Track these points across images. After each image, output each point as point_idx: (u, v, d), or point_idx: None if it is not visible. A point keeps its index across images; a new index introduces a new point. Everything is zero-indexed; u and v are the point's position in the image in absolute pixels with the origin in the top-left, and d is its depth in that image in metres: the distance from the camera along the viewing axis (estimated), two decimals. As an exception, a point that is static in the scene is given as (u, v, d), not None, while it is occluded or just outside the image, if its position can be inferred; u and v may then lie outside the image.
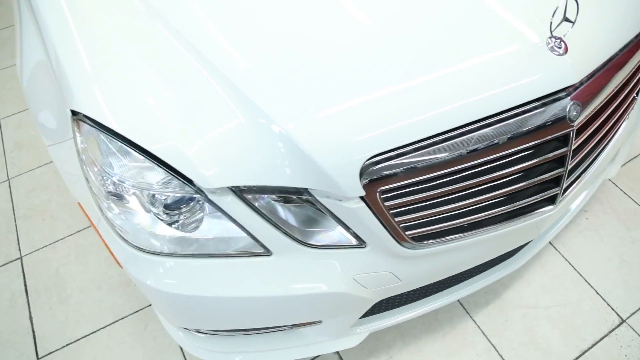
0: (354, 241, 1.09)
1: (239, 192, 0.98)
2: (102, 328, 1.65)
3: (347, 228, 1.06)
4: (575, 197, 1.34)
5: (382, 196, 1.00)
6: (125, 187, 0.99)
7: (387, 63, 1.00)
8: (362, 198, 0.99)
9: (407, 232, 1.07)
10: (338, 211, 1.02)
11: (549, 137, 1.05)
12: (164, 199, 1.01)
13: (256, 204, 1.01)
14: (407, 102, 0.97)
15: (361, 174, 0.96)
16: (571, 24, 1.00)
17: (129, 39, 1.06)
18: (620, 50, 1.13)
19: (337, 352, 1.55)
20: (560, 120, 1.04)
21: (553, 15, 0.97)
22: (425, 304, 1.42)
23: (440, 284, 1.39)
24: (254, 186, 0.97)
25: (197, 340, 1.34)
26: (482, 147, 1.00)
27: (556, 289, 1.67)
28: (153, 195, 1.00)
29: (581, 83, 1.06)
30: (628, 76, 1.19)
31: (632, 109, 1.36)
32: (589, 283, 1.68)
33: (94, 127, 0.98)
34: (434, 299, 1.43)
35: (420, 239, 1.10)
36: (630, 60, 1.16)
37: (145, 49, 1.04)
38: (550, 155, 1.08)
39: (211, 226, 1.04)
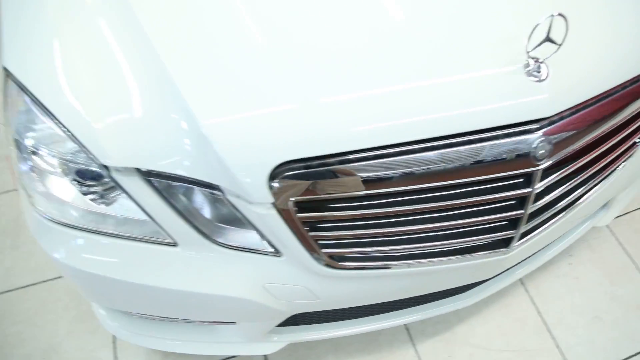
0: (269, 248, 0.94)
1: (147, 175, 0.85)
2: (44, 282, 1.56)
3: (261, 233, 0.91)
4: (542, 243, 1.15)
5: (295, 207, 0.84)
6: (40, 151, 0.88)
7: (335, 69, 0.84)
8: (274, 205, 0.84)
9: (324, 250, 0.92)
10: (249, 214, 0.88)
11: (506, 174, 0.87)
12: (75, 167, 0.90)
13: (174, 191, 0.88)
14: (339, 112, 0.81)
15: (273, 179, 0.81)
16: (557, 46, 0.81)
17: (73, 13, 0.94)
18: (622, 87, 0.93)
19: (265, 356, 1.42)
20: (524, 157, 0.85)
21: (531, 33, 0.78)
22: (359, 324, 1.27)
23: (375, 306, 1.23)
24: (162, 172, 0.84)
25: (114, 317, 1.23)
26: (421, 171, 0.83)
27: (514, 333, 1.48)
28: (66, 163, 0.89)
29: (561, 118, 0.87)
30: (626, 119, 0.98)
31: (632, 155, 1.13)
32: (551, 334, 1.48)
33: (19, 86, 0.89)
34: (369, 320, 1.27)
35: (340, 259, 0.94)
36: (631, 103, 0.95)
37: (86, 24, 0.92)
38: (503, 195, 0.90)
39: (123, 206, 0.92)
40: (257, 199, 0.83)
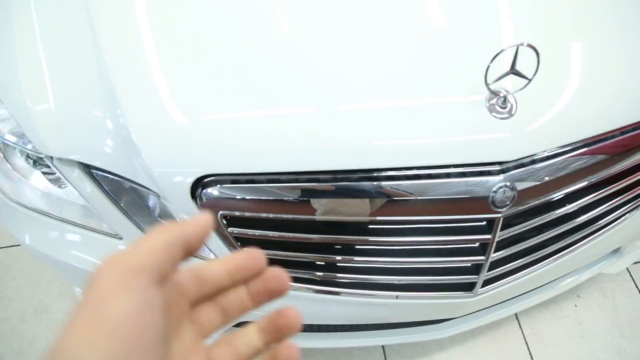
0: (210, 254, 0.89)
1: (87, 167, 0.83)
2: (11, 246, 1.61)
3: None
4: (521, 289, 1.03)
5: (224, 220, 0.78)
6: None
7: (284, 84, 0.76)
8: (204, 215, 0.79)
9: (261, 268, 0.85)
10: (181, 218, 0.83)
11: (459, 217, 0.76)
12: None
13: (117, 185, 0.85)
14: (272, 129, 0.74)
15: (204, 188, 0.75)
16: (527, 80, 0.68)
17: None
18: (614, 134, 0.77)
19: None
20: (481, 201, 0.74)
21: (490, 62, 0.65)
22: (324, 339, 1.20)
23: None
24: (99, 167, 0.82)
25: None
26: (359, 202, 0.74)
27: (498, 371, 1.35)
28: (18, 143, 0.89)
29: (532, 162, 0.74)
30: (622, 169, 0.83)
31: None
32: (538, 380, 1.34)
33: None
34: (336, 336, 1.20)
35: (279, 279, 0.87)
36: (623, 155, 0.79)
37: (36, 14, 0.89)
38: (457, 238, 0.79)
39: (70, 192, 0.91)
40: (182, 209, 0.78)
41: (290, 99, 0.75)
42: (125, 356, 0.23)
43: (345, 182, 0.73)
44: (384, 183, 0.73)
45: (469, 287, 0.90)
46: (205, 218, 0.30)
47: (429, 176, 0.73)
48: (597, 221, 0.91)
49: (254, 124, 0.74)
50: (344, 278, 0.86)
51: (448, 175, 0.73)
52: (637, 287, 1.50)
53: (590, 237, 0.94)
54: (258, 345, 0.33)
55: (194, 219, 0.30)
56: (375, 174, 0.73)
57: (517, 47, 0.65)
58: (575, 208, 0.83)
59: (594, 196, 0.84)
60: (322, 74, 0.75)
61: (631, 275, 1.52)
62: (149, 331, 0.25)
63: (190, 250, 0.29)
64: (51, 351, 0.24)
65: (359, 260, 0.83)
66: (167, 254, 0.27)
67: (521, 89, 0.68)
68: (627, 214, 0.96)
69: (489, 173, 0.73)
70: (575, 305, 1.47)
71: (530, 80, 0.68)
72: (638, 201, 0.95)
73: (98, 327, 0.23)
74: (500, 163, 0.73)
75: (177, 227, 0.29)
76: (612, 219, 0.93)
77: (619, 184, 0.85)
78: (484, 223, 0.80)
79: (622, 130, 0.78)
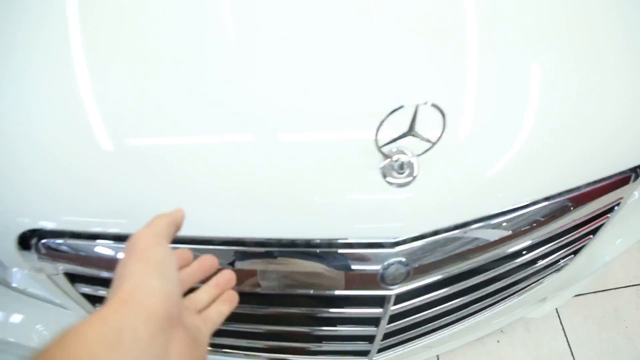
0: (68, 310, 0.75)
1: None
2: None
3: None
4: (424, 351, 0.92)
5: (66, 277, 0.64)
6: None
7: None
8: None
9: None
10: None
11: (342, 293, 0.64)
12: None
13: None
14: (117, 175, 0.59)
15: (39, 239, 0.60)
16: (430, 143, 0.55)
17: None
18: (528, 204, 0.65)
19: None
20: (370, 275, 0.62)
21: (383, 120, 0.52)
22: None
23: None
24: None
25: None
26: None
27: (410, 409, 1.27)
28: None
29: (435, 233, 0.62)
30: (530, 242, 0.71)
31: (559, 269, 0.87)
32: (450, 421, 1.26)
33: None
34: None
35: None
36: (540, 226, 0.68)
37: None
38: (345, 311, 0.67)
39: None
40: (12, 261, 0.63)
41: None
42: (164, 276, 0.38)
43: (206, 245, 0.59)
44: (250, 249, 0.59)
45: (364, 353, 0.79)
46: (181, 209, 0.45)
47: (308, 244, 0.60)
48: (513, 286, 0.81)
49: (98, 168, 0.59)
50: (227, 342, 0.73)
51: (331, 245, 0.60)
52: (561, 324, 1.44)
53: (505, 300, 0.84)
54: (210, 298, 0.47)
55: (177, 209, 0.45)
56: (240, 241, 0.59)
57: (417, 106, 0.51)
58: (487, 278, 0.72)
59: (509, 265, 0.73)
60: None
61: (557, 312, 1.46)
62: (173, 267, 0.40)
63: (177, 228, 0.45)
64: (119, 275, 0.38)
65: (239, 326, 0.70)
66: (168, 228, 0.43)
67: (420, 154, 0.56)
68: (549, 276, 0.86)
69: (380, 246, 0.60)
70: (498, 341, 1.39)
71: (433, 144, 0.55)
72: (560, 264, 0.85)
73: (149, 262, 0.39)
74: (394, 237, 0.60)
75: (169, 215, 0.44)
76: (529, 283, 0.84)
77: (537, 252, 0.75)
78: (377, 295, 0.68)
79: (547, 198, 0.67)
